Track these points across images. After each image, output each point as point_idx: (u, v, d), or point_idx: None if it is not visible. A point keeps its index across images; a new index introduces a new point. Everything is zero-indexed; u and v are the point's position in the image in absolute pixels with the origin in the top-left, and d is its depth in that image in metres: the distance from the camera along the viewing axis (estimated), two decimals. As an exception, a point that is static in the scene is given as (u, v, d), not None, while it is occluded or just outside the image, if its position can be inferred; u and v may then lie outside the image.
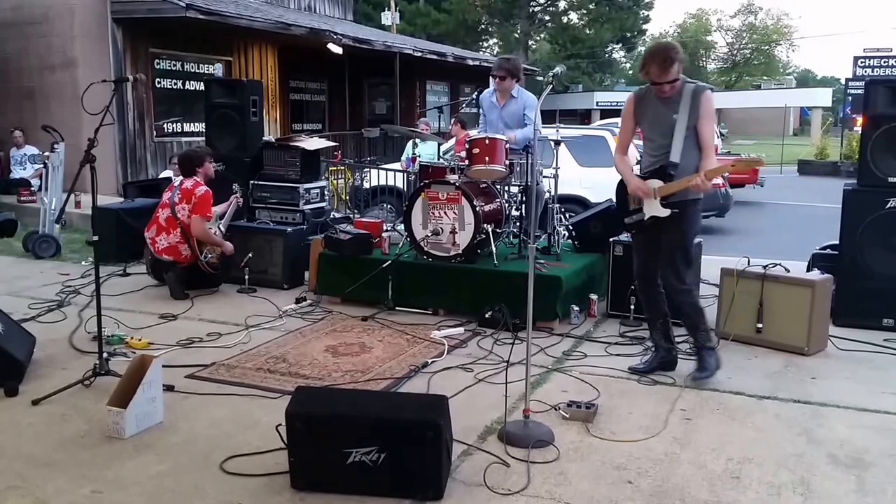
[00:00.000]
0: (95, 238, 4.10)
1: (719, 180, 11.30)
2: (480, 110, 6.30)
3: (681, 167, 3.95)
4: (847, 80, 25.70)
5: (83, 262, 7.10)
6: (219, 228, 6.22)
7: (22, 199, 10.02)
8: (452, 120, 9.98)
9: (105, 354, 3.99)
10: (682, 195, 3.98)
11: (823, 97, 38.27)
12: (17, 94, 11.70)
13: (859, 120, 11.17)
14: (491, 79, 6.05)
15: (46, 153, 7.90)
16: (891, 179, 5.08)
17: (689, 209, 4.04)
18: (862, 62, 24.77)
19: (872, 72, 23.54)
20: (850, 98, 24.33)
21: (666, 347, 4.31)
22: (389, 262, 5.51)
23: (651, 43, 4.09)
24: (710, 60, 58.51)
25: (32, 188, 10.05)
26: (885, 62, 24.53)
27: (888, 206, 5.06)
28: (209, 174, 6.22)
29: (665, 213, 4.00)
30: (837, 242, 5.36)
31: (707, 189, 3.90)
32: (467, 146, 5.53)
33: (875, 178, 5.12)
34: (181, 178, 6.22)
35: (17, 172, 10.85)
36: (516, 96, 6.02)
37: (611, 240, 5.43)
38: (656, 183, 4.01)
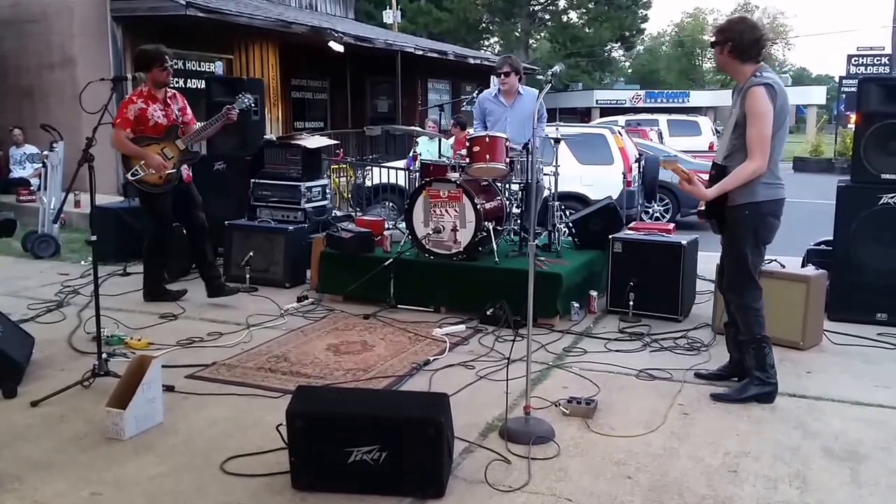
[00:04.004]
0: (94, 238, 4.06)
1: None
2: (476, 112, 6.30)
3: (727, 169, 3.68)
4: (841, 78, 25.75)
5: (83, 262, 7.08)
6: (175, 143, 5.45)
7: (21, 198, 10.00)
8: (451, 122, 10.01)
9: (104, 355, 3.98)
10: (726, 199, 3.69)
11: (818, 95, 38.29)
12: (15, 92, 11.66)
13: (853, 117, 11.20)
14: (494, 78, 6.07)
15: (45, 152, 7.89)
16: (883, 176, 5.11)
17: (730, 214, 3.72)
18: (855, 61, 24.85)
19: (865, 70, 23.62)
20: (843, 96, 24.38)
21: (737, 358, 4.05)
22: (391, 260, 5.53)
23: None
24: (707, 59, 58.45)
25: (32, 188, 10.04)
26: (877, 60, 24.63)
27: (881, 202, 5.09)
28: (158, 80, 5.40)
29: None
30: (831, 238, 5.39)
31: (687, 190, 3.75)
32: (468, 144, 5.54)
33: (868, 174, 5.16)
34: None
35: (17, 172, 10.84)
36: (523, 93, 6.05)
37: (610, 237, 5.45)
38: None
